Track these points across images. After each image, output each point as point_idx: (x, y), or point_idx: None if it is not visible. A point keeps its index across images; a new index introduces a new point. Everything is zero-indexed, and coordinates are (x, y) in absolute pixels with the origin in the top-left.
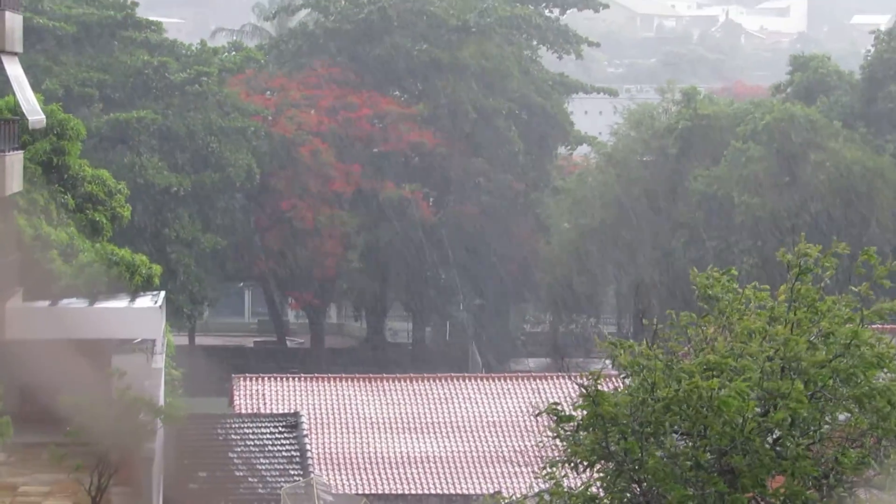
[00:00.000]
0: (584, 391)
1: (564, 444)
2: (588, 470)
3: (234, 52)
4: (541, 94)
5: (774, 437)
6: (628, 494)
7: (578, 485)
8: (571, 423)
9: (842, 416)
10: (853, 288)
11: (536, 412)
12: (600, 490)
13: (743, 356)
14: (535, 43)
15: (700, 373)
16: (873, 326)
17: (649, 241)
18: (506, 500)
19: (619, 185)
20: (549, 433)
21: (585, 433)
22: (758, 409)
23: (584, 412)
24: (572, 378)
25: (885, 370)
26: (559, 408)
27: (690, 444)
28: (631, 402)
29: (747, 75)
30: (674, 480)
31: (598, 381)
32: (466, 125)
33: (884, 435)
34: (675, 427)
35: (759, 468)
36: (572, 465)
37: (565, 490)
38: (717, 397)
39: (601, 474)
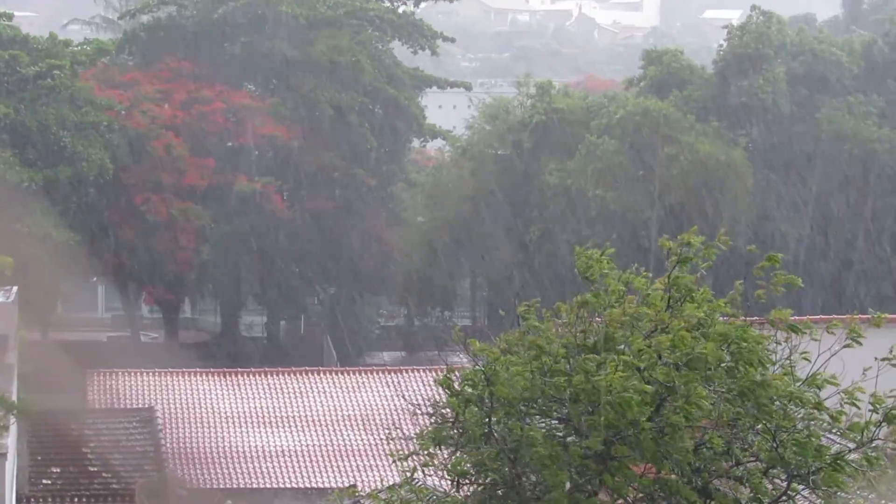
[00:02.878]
0: (478, 370)
1: (438, 423)
2: (473, 446)
3: (86, 46)
4: (394, 88)
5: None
6: (501, 475)
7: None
8: (461, 398)
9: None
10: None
11: (407, 398)
12: (471, 469)
13: (630, 347)
14: (388, 37)
15: (611, 366)
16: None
17: (504, 234)
18: (359, 493)
19: (473, 179)
20: (428, 413)
21: (474, 409)
22: (653, 403)
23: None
24: (426, 373)
25: (763, 366)
26: (451, 379)
27: (574, 430)
28: (525, 385)
29: (601, 69)
30: (554, 465)
31: (495, 362)
32: (320, 120)
33: (752, 424)
34: (563, 414)
35: (643, 458)
36: (444, 443)
37: (422, 486)
38: (620, 397)
39: (477, 455)
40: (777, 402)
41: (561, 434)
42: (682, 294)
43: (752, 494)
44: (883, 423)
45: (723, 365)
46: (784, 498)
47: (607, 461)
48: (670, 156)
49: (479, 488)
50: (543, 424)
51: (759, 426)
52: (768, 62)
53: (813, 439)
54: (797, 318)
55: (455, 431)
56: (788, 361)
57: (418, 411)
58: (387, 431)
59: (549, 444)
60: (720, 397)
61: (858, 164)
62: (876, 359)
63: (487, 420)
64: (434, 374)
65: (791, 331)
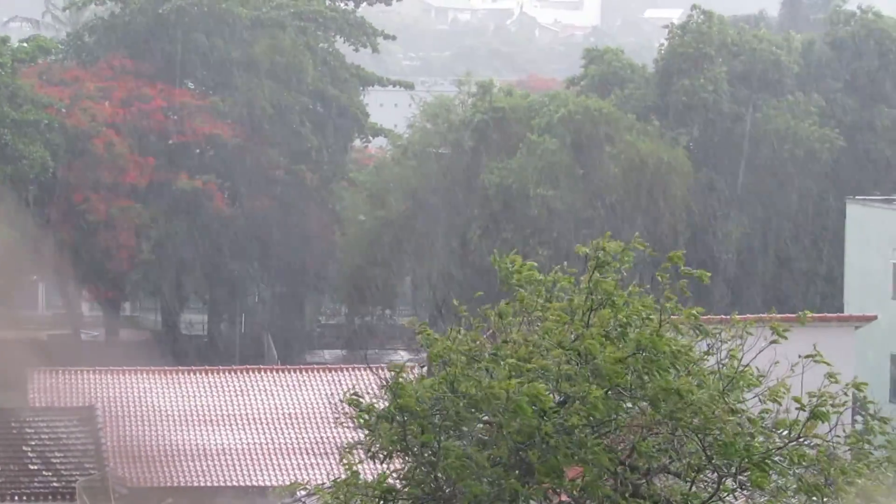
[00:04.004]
0: (384, 383)
1: (364, 434)
2: (387, 461)
3: (25, 43)
4: (336, 86)
5: (570, 431)
6: (425, 488)
7: (375, 476)
8: (371, 414)
9: (635, 407)
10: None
11: (335, 401)
12: (397, 482)
13: (543, 353)
14: (332, 35)
15: (500, 373)
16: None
17: (445, 233)
18: (303, 490)
19: (415, 178)
20: (349, 423)
21: (386, 425)
22: (554, 407)
23: (385, 404)
24: (373, 370)
25: (679, 368)
26: (359, 398)
27: (487, 439)
28: (431, 396)
29: (542, 68)
30: (470, 475)
31: (401, 374)
32: (261, 119)
33: (676, 426)
34: (475, 423)
35: (555, 462)
36: (370, 455)
37: (362, 480)
38: (514, 401)
39: (400, 467)
40: (691, 408)
41: (478, 445)
42: (603, 298)
43: (688, 491)
44: (810, 420)
45: (633, 371)
46: (716, 497)
47: (517, 468)
48: (611, 155)
49: (408, 501)
50: (461, 436)
51: (685, 428)
52: (709, 61)
53: (739, 439)
54: (736, 316)
55: (374, 447)
56: (718, 363)
57: (342, 417)
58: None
59: (461, 455)
60: (628, 401)
61: (798, 163)
62: (800, 356)
63: (402, 435)
64: (373, 372)
65: (698, 331)
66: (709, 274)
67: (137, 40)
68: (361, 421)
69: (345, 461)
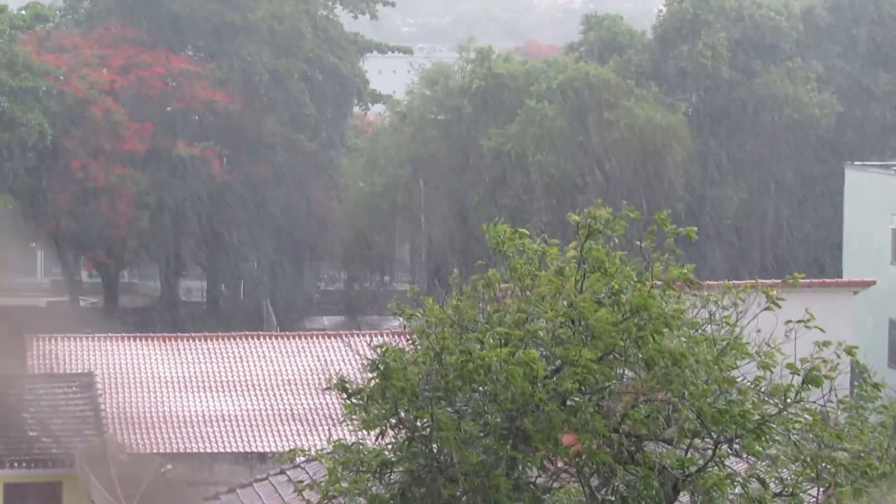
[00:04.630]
0: (373, 364)
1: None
2: (380, 437)
3: (23, 10)
4: (335, 54)
5: (564, 398)
6: (421, 460)
7: (372, 448)
8: (361, 396)
9: (630, 374)
10: (642, 244)
11: (325, 387)
12: (393, 455)
13: (535, 320)
14: (330, 2)
15: (490, 342)
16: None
17: (444, 199)
18: (302, 455)
19: (413, 144)
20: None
21: (377, 403)
22: (548, 374)
23: (374, 381)
24: (365, 337)
25: (675, 331)
26: (347, 382)
27: (481, 408)
28: (420, 371)
29: (541, 35)
30: (466, 446)
31: (387, 355)
32: (259, 87)
33: (671, 394)
34: (467, 394)
35: (550, 429)
36: (363, 427)
37: (359, 452)
38: (505, 369)
39: (394, 441)
40: (686, 371)
41: (473, 415)
42: (595, 266)
43: (684, 456)
44: (804, 386)
45: (627, 334)
46: (712, 464)
47: (513, 437)
48: (610, 121)
49: (403, 475)
50: (455, 407)
51: (678, 395)
52: (708, 27)
53: (733, 406)
54: (728, 282)
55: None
56: (712, 330)
57: (331, 385)
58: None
59: (455, 426)
60: (622, 366)
61: (798, 128)
62: (788, 321)
63: (394, 411)
64: (372, 338)
65: (688, 286)
66: (695, 229)
67: (136, 6)
68: (350, 406)
69: (342, 432)
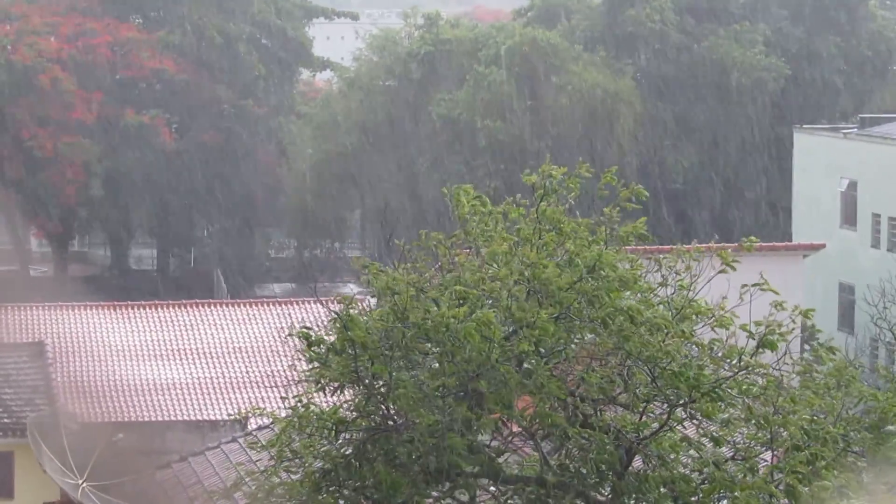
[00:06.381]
0: (334, 315)
1: (314, 367)
2: (338, 393)
3: None
4: (282, 18)
5: (520, 360)
6: (377, 418)
7: (327, 408)
8: (321, 346)
9: (589, 336)
10: (605, 211)
11: (286, 334)
12: (350, 413)
13: (491, 280)
14: None
15: (447, 302)
16: (629, 249)
17: (394, 165)
18: (257, 414)
19: (362, 110)
20: (300, 356)
21: (336, 357)
22: (505, 335)
23: (335, 336)
24: (317, 304)
25: (630, 292)
26: (309, 332)
27: (438, 369)
28: (381, 327)
29: (488, 0)
30: (422, 406)
31: (350, 306)
32: (208, 51)
33: (627, 356)
34: (425, 354)
35: (505, 391)
36: (320, 388)
37: (314, 411)
38: (463, 328)
39: (351, 399)
40: (642, 329)
41: (429, 375)
42: (551, 226)
43: (638, 421)
44: (759, 350)
45: (580, 293)
46: (666, 428)
47: (469, 398)
48: (558, 86)
49: (358, 434)
50: (413, 366)
51: (633, 356)
52: None
53: (687, 369)
54: (682, 245)
55: (324, 380)
56: (667, 292)
57: (293, 350)
58: (288, 361)
59: (412, 385)
60: (578, 327)
61: (746, 92)
62: (744, 285)
63: (353, 367)
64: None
65: (640, 240)
66: (642, 188)
67: None
68: (312, 354)
69: (295, 393)
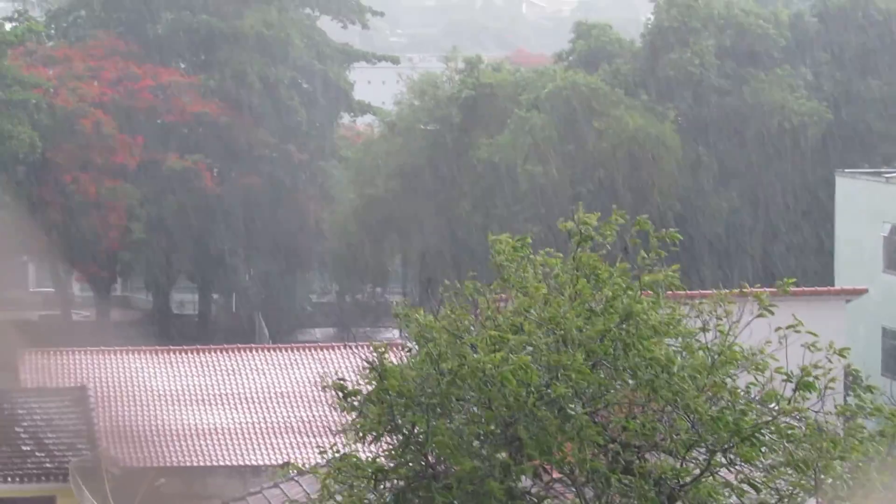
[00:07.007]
0: (370, 365)
1: (352, 418)
2: (376, 443)
3: (14, 25)
4: (323, 62)
5: (559, 406)
6: (416, 467)
7: (367, 457)
8: (358, 397)
9: (632, 382)
10: (628, 249)
11: (322, 385)
12: (388, 462)
13: (525, 329)
14: (317, 13)
15: (484, 348)
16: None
17: (434, 210)
18: (296, 470)
19: (403, 155)
20: (336, 406)
21: (373, 407)
22: (542, 381)
23: (371, 386)
24: (358, 349)
25: (667, 338)
26: (344, 381)
27: (476, 415)
28: (417, 375)
29: (530, 44)
30: (460, 453)
31: (385, 354)
32: (249, 95)
33: (665, 403)
34: (462, 400)
35: (544, 436)
36: (359, 438)
37: (355, 460)
38: (499, 373)
39: (389, 447)
40: (675, 378)
41: (467, 422)
42: (588, 273)
43: (679, 467)
44: (797, 393)
45: (614, 343)
46: (707, 474)
47: (508, 444)
48: (599, 130)
49: (398, 482)
50: (450, 413)
51: (667, 402)
52: (696, 35)
53: (727, 413)
54: (720, 291)
55: (362, 430)
56: (706, 338)
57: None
58: (327, 409)
59: (450, 432)
60: (613, 375)
61: (787, 136)
62: (778, 328)
63: (390, 416)
64: (358, 351)
65: (672, 289)
66: (676, 231)
67: (125, 19)
68: (345, 406)
69: (336, 443)
